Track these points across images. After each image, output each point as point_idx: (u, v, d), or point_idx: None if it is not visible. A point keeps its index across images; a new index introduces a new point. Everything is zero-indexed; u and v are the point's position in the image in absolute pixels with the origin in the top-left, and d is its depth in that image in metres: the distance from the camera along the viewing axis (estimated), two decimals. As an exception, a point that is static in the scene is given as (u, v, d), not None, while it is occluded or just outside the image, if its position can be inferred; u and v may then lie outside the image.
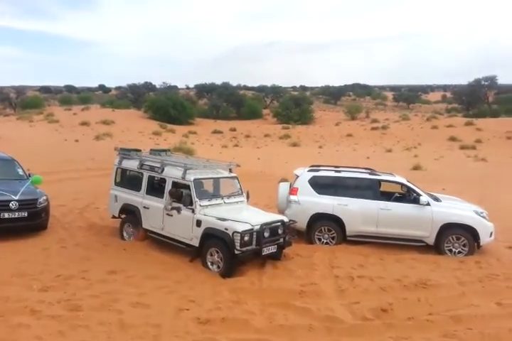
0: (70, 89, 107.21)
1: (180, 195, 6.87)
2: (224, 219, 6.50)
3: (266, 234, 6.50)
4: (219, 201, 7.13)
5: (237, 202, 7.36)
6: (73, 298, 5.30)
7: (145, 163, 7.73)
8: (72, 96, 76.71)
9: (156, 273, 6.32)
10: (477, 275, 6.73)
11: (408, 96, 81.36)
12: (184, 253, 6.98)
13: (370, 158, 23.79)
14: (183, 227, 6.89)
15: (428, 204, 7.90)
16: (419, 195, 8.00)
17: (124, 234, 7.99)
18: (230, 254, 6.30)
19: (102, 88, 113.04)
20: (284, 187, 8.84)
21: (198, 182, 7.11)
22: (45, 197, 8.18)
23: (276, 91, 69.68)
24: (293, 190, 8.38)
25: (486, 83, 58.27)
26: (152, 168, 7.57)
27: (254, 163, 20.38)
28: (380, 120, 47.92)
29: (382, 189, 8.42)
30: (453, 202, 8.48)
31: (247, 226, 6.33)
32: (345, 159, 21.27)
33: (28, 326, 4.58)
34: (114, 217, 8.34)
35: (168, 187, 7.21)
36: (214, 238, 6.52)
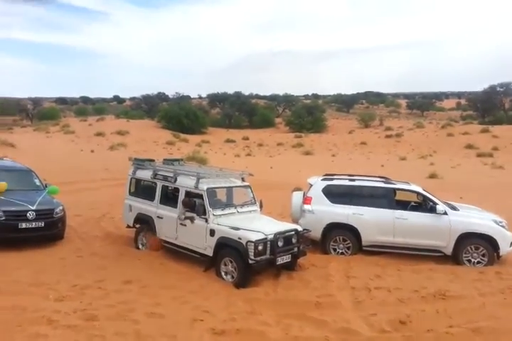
0: (85, 100, 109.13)
1: (194, 204, 6.86)
2: (237, 229, 6.48)
3: (280, 244, 6.46)
4: (232, 210, 7.12)
5: (250, 212, 7.34)
6: (89, 308, 5.32)
7: (158, 173, 7.78)
8: (87, 107, 78.26)
9: (171, 283, 6.31)
10: (498, 286, 6.54)
11: (422, 104, 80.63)
12: (198, 263, 6.97)
13: (384, 166, 23.60)
14: (197, 237, 6.89)
15: (445, 213, 7.77)
16: (435, 203, 7.87)
17: (139, 243, 8.04)
18: (243, 264, 6.26)
19: (117, 99, 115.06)
20: (297, 196, 8.78)
21: (211, 192, 7.11)
22: (61, 207, 8.29)
23: (288, 100, 70.02)
24: (307, 199, 8.32)
25: (501, 89, 57.63)
26: (165, 178, 7.62)
27: (267, 171, 20.37)
28: (394, 128, 47.59)
29: (397, 198, 8.30)
30: (471, 211, 8.32)
31: (261, 236, 6.30)
32: (358, 167, 21.07)
33: (46, 336, 4.60)
34: (128, 226, 8.41)
35: (181, 196, 7.23)
36: (228, 247, 6.50)
